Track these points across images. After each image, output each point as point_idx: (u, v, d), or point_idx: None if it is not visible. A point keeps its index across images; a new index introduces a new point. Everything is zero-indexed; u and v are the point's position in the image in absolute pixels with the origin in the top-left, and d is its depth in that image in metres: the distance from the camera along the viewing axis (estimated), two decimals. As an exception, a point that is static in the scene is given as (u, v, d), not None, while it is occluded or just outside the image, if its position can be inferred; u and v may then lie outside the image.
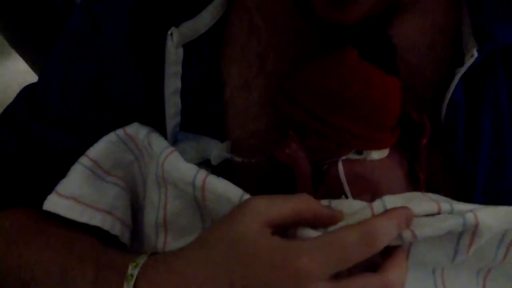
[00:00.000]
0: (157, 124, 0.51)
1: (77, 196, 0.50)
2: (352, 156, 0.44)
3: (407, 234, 0.40)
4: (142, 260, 0.43)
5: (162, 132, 0.51)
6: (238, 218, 0.40)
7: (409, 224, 0.40)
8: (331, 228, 0.41)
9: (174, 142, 0.50)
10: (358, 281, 0.38)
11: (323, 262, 0.37)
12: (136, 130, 0.51)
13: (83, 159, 0.51)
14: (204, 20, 0.48)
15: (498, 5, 0.45)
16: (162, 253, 0.45)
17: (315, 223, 0.40)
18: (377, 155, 0.44)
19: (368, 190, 0.44)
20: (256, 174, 0.48)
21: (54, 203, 0.49)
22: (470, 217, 0.40)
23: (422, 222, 0.41)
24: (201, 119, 0.50)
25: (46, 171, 0.53)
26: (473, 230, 0.40)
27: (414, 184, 0.46)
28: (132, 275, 0.42)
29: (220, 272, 0.39)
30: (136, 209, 0.54)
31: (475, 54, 0.44)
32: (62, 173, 0.51)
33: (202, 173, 0.45)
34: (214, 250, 0.40)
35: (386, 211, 0.40)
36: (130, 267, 0.42)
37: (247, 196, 0.43)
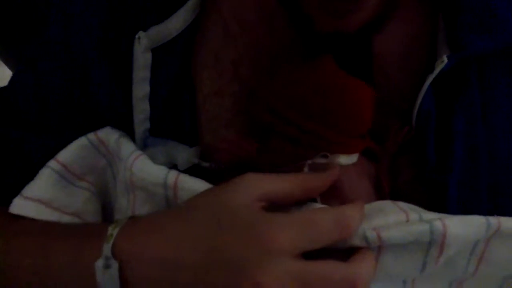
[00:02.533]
0: (128, 129, 0.50)
1: (44, 199, 0.49)
2: (318, 160, 0.43)
3: (372, 235, 0.40)
4: (122, 221, 0.43)
5: (133, 137, 0.50)
6: (230, 188, 0.41)
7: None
8: (305, 208, 0.42)
9: (144, 147, 0.50)
10: (323, 265, 0.38)
11: (294, 238, 0.38)
12: (108, 134, 0.51)
13: (52, 163, 0.51)
14: (175, 24, 0.48)
15: (473, 14, 0.45)
16: (148, 213, 0.45)
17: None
18: (344, 160, 0.44)
19: (335, 196, 0.43)
20: (224, 180, 0.47)
21: (20, 206, 0.49)
22: (437, 224, 0.39)
23: (388, 226, 0.40)
24: (172, 124, 0.49)
25: (17, 174, 0.52)
26: (442, 241, 0.40)
27: (381, 193, 0.46)
28: (111, 235, 0.42)
29: (200, 233, 0.39)
30: (110, 213, 0.54)
31: (445, 60, 0.44)
32: (32, 176, 0.50)
33: (173, 172, 0.45)
34: (199, 213, 0.40)
35: (354, 203, 0.41)
36: (110, 228, 0.42)
37: None
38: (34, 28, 0.55)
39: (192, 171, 0.47)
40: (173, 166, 0.48)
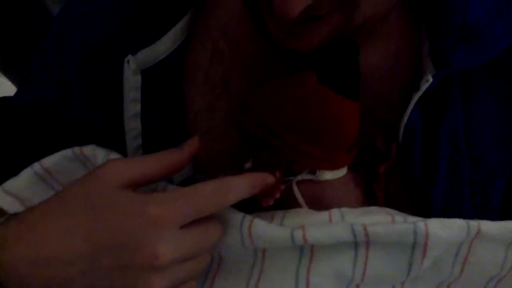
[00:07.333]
0: (117, 146, 0.51)
1: (21, 197, 0.50)
2: (306, 176, 0.44)
3: (359, 228, 0.41)
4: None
5: (123, 153, 0.51)
6: (97, 176, 0.41)
7: (266, 186, 0.42)
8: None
9: None
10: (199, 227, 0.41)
11: (178, 210, 0.39)
12: (93, 152, 0.51)
13: (35, 166, 0.51)
14: (164, 46, 0.49)
15: (456, 29, 0.45)
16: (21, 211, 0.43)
17: None
18: (330, 175, 0.45)
19: (324, 208, 0.44)
20: None
21: None
22: (420, 225, 0.41)
23: (374, 223, 0.42)
24: (164, 140, 0.50)
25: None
26: (424, 242, 0.41)
27: (371, 203, 0.47)
28: None
29: (76, 223, 0.39)
30: None
31: (430, 79, 0.44)
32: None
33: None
34: (71, 204, 0.40)
35: (243, 173, 0.42)
36: None
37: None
38: (35, 41, 0.57)
39: (186, 184, 0.49)
40: (168, 180, 0.49)
